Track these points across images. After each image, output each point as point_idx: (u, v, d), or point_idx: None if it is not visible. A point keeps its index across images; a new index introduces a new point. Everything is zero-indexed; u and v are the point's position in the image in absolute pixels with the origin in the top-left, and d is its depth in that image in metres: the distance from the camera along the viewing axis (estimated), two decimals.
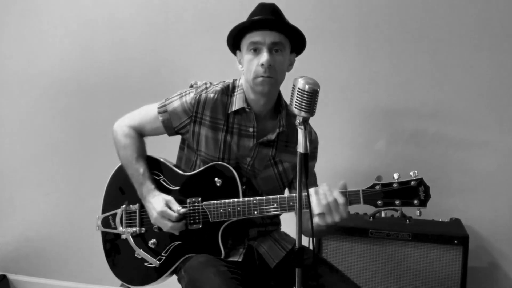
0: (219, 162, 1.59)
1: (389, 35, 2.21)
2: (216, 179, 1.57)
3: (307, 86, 1.20)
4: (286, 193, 1.73)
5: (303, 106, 1.21)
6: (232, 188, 1.55)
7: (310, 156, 1.63)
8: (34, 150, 2.70)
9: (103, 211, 1.72)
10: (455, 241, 1.91)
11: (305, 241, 1.36)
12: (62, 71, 2.59)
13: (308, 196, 1.27)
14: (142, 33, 2.48)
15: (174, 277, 1.66)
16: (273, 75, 1.51)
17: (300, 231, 1.23)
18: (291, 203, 1.47)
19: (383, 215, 2.09)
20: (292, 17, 1.60)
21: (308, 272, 1.55)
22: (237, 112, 1.60)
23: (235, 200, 1.53)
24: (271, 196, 1.50)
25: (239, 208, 1.52)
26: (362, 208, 2.09)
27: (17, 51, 2.64)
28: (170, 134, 1.67)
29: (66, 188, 2.68)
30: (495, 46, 2.12)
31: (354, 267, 2.01)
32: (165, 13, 2.44)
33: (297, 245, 1.24)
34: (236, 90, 1.62)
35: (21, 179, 2.74)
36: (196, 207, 1.57)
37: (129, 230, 1.65)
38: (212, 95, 1.60)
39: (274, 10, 1.56)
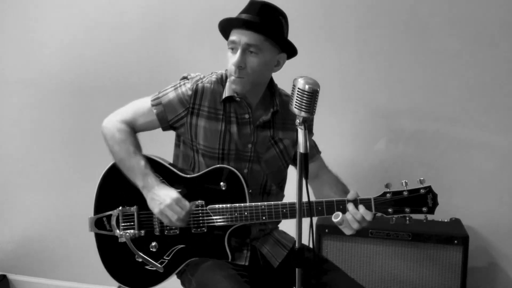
0: (223, 166, 1.55)
1: (390, 35, 2.21)
2: (221, 183, 1.53)
3: (307, 86, 1.21)
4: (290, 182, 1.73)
5: (303, 106, 1.21)
6: (238, 191, 1.52)
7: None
8: (34, 151, 2.70)
9: (96, 212, 1.64)
10: (455, 241, 1.91)
11: (305, 241, 1.36)
12: (62, 72, 2.59)
13: (308, 197, 1.27)
14: (142, 33, 2.47)
15: (174, 277, 1.64)
16: (244, 75, 1.51)
17: (300, 231, 1.23)
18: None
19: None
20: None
21: (311, 270, 1.55)
22: (231, 101, 1.59)
23: (242, 204, 1.50)
24: (280, 202, 1.49)
25: (246, 213, 1.50)
26: None
27: (15, 51, 2.64)
28: (164, 129, 1.63)
29: (66, 188, 2.67)
30: (496, 46, 2.12)
31: (354, 267, 2.01)
32: (165, 13, 2.43)
33: (297, 245, 1.23)
34: (228, 79, 1.60)
35: (21, 179, 2.74)
36: (200, 211, 1.54)
37: (127, 233, 1.58)
38: (208, 85, 1.58)
39: (261, 8, 1.53)
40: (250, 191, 1.53)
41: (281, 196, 1.70)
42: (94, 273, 2.63)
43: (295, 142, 1.64)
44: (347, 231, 1.47)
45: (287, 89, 1.46)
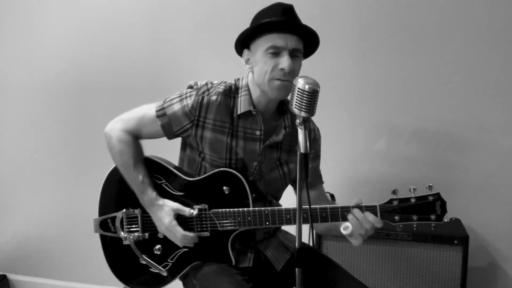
0: (227, 169, 1.52)
1: (390, 35, 2.21)
2: (224, 187, 1.52)
3: (307, 86, 1.21)
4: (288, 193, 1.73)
5: (303, 106, 1.21)
6: (241, 196, 1.50)
7: (314, 155, 1.65)
8: (34, 151, 2.70)
9: (100, 214, 1.63)
10: (455, 241, 1.91)
11: (305, 240, 1.36)
12: (63, 73, 2.59)
13: (309, 199, 1.26)
14: (144, 35, 2.47)
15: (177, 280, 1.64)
16: (292, 80, 1.41)
17: (300, 231, 1.23)
18: (304, 215, 1.39)
19: None
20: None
21: (314, 270, 1.55)
22: (242, 115, 1.53)
23: (246, 209, 1.49)
24: (283, 207, 1.47)
25: (249, 218, 1.48)
26: None
27: (15, 52, 2.64)
28: (169, 138, 1.59)
29: (66, 188, 2.68)
30: (496, 46, 2.12)
31: (354, 267, 2.01)
32: (165, 13, 2.43)
33: (297, 245, 1.23)
34: (240, 91, 1.54)
35: (21, 179, 2.74)
36: (203, 215, 1.53)
37: (131, 236, 1.57)
38: (214, 97, 1.51)
39: (293, 12, 1.46)
40: (254, 195, 1.52)
41: (276, 204, 1.68)
42: (94, 273, 2.64)
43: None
44: (356, 242, 1.42)
45: None
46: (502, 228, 2.19)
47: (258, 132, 1.54)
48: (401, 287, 1.98)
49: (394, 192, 1.39)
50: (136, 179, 1.53)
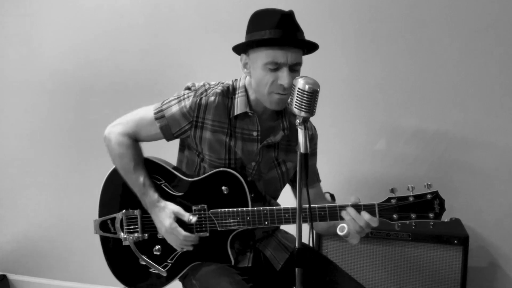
0: (226, 169, 1.53)
1: (390, 35, 2.21)
2: (223, 187, 1.52)
3: (307, 86, 1.21)
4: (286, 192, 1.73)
5: (303, 106, 1.21)
6: (240, 196, 1.50)
7: (311, 153, 1.65)
8: (34, 151, 2.70)
9: (100, 215, 1.64)
10: (455, 241, 1.91)
11: (306, 241, 1.36)
12: (64, 73, 2.59)
13: (308, 199, 1.26)
14: (144, 35, 2.47)
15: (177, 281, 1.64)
16: (288, 93, 1.41)
17: (300, 231, 1.23)
18: (303, 214, 1.37)
19: None
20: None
21: (313, 270, 1.55)
22: (239, 115, 1.53)
23: (244, 209, 1.49)
24: (282, 207, 1.47)
25: (248, 218, 1.48)
26: None
27: (16, 53, 2.64)
28: (168, 140, 1.59)
29: (66, 189, 2.68)
30: (496, 46, 2.12)
31: (354, 267, 2.01)
32: (164, 15, 2.44)
33: (297, 245, 1.23)
34: (236, 92, 1.54)
35: (21, 179, 2.74)
36: (202, 215, 1.53)
37: (131, 237, 1.58)
38: (212, 98, 1.51)
39: (293, 20, 1.43)
40: (253, 195, 1.52)
41: (275, 204, 1.68)
42: (94, 273, 2.65)
43: (296, 165, 1.62)
44: (354, 241, 1.42)
45: None
46: (502, 228, 2.20)
47: (255, 133, 1.55)
48: (401, 287, 1.98)
49: (392, 190, 1.39)
50: (137, 181, 1.54)
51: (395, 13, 2.20)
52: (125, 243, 1.60)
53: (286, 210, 1.46)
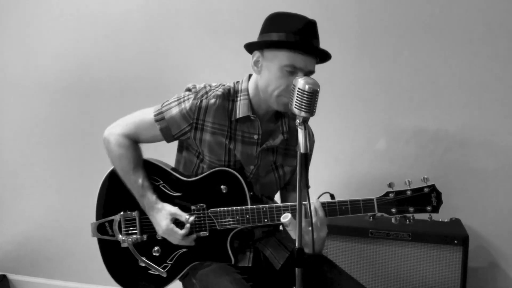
0: (224, 168, 1.53)
1: (390, 35, 2.21)
2: (221, 186, 1.52)
3: (307, 86, 1.21)
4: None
5: (303, 106, 1.21)
6: (239, 194, 1.51)
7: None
8: (34, 152, 2.70)
9: (98, 217, 1.63)
10: (455, 241, 1.91)
11: None
12: (63, 74, 2.59)
13: (308, 199, 1.26)
14: (144, 35, 2.47)
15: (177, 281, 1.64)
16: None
17: (300, 231, 1.23)
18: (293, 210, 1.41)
19: None
20: None
21: (312, 270, 1.55)
22: (240, 119, 1.53)
23: (243, 207, 1.49)
24: (281, 204, 1.48)
25: (248, 216, 1.49)
26: None
27: (16, 54, 2.64)
28: (169, 142, 1.59)
29: (66, 189, 2.68)
30: (496, 45, 2.12)
31: (354, 267, 2.01)
32: (166, 15, 2.43)
33: (297, 245, 1.23)
34: (238, 95, 1.54)
35: (21, 179, 2.74)
36: (202, 215, 1.53)
37: (130, 239, 1.57)
38: (213, 100, 1.51)
39: (316, 29, 1.45)
40: (252, 193, 1.52)
41: (272, 203, 1.66)
42: (94, 273, 2.65)
43: (294, 169, 1.62)
44: (293, 234, 1.38)
45: None
46: (502, 228, 2.19)
47: (255, 136, 1.55)
48: (401, 287, 1.98)
49: (390, 185, 1.43)
50: (136, 183, 1.54)
51: (395, 13, 2.20)
52: (123, 245, 1.59)
53: (286, 207, 1.47)
